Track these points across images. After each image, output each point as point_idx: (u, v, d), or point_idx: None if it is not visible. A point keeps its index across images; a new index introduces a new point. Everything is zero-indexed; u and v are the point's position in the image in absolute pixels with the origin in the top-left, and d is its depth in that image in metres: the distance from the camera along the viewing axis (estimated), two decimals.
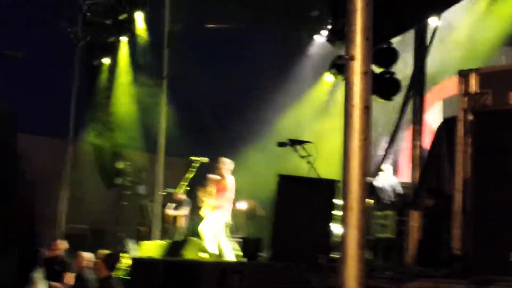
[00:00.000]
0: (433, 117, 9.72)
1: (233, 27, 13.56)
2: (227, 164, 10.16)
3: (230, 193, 9.98)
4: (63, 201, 13.05)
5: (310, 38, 14.20)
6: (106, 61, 14.27)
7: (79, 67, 13.82)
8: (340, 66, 7.12)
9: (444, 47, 10.92)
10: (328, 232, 6.04)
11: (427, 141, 6.99)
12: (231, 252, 9.61)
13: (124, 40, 13.98)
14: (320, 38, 13.88)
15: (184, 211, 11.11)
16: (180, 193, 11.17)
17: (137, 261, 6.50)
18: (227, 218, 9.96)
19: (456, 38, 11.04)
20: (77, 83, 13.72)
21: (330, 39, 8.30)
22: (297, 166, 7.77)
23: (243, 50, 13.21)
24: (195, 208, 10.68)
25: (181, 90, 13.77)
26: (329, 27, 8.10)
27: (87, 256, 8.64)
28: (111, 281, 6.65)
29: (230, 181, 10.01)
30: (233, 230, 11.75)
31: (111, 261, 6.89)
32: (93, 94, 14.32)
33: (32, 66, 12.56)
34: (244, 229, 11.67)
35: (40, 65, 12.68)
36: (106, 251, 7.91)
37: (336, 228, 6.06)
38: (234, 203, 10.88)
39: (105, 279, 6.74)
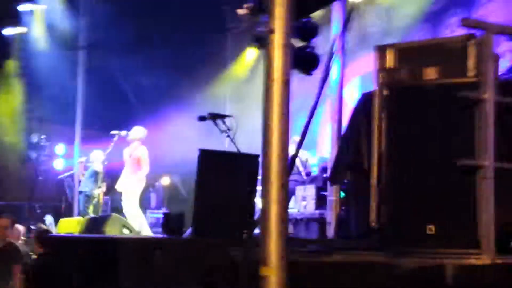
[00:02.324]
0: (351, 93, 9.93)
1: None
2: (139, 133, 10.00)
3: (146, 165, 9.86)
4: None
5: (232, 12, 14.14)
6: (20, 30, 13.74)
7: None
8: (261, 39, 7.11)
9: (364, 22, 11.13)
10: (251, 207, 6.09)
11: (346, 116, 7.14)
12: (147, 227, 9.57)
13: (38, 8, 13.50)
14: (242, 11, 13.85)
15: (103, 186, 10.92)
16: (99, 167, 10.96)
17: (53, 238, 6.36)
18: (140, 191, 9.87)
19: (375, 13, 11.25)
20: None
21: (252, 12, 8.26)
22: (219, 141, 7.78)
23: (162, 19, 12.98)
24: (115, 183, 10.53)
25: (99, 60, 13.45)
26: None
27: (22, 230, 8.44)
28: (47, 257, 6.47)
29: (143, 152, 9.88)
30: (155, 205, 11.72)
31: (44, 237, 6.74)
32: (6, 65, 13.80)
33: None
34: (166, 205, 11.65)
35: None
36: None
37: (259, 203, 6.12)
38: (155, 177, 10.81)
39: (43, 255, 6.57)
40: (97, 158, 10.86)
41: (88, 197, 10.70)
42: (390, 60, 5.01)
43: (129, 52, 13.09)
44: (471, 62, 4.60)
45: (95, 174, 10.83)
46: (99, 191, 10.78)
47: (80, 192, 11.05)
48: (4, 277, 6.94)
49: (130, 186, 9.81)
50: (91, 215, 10.29)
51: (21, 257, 7.31)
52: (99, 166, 10.76)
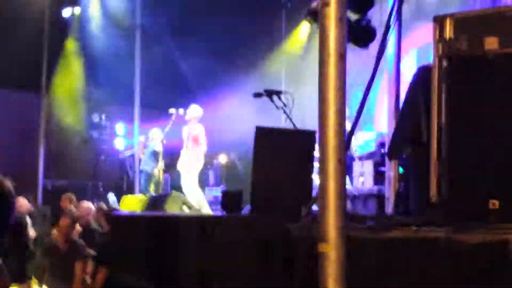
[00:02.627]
0: (408, 65, 9.74)
1: None
2: (196, 112, 10.08)
3: (203, 143, 9.96)
4: (40, 157, 12.95)
5: None
6: (77, 10, 13.98)
7: (49, 17, 13.52)
8: (315, 14, 7.03)
9: None
10: (309, 184, 6.08)
11: (403, 90, 7.01)
12: (206, 204, 9.68)
13: None
14: None
15: (163, 164, 11.10)
16: (158, 146, 11.13)
17: (117, 216, 6.52)
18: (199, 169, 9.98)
19: None
20: (47, 34, 13.44)
21: None
22: (276, 118, 7.77)
23: (218, 1, 13.01)
24: (174, 161, 10.69)
25: (156, 39, 13.60)
26: None
27: (91, 207, 8.58)
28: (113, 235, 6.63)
29: (199, 130, 9.97)
30: (213, 183, 11.84)
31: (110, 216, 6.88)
32: (65, 45, 14.08)
33: (1, 20, 12.29)
34: (224, 182, 11.75)
35: (8, 18, 12.40)
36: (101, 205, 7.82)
37: (316, 180, 6.10)
38: (213, 155, 10.92)
39: (109, 233, 6.72)
40: (156, 136, 11.04)
41: (149, 176, 10.90)
42: (449, 30, 4.87)
43: (185, 31, 13.20)
44: None
45: (155, 153, 11.00)
46: (159, 170, 10.97)
47: (141, 171, 11.26)
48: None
49: (189, 164, 9.93)
50: (152, 193, 10.49)
51: (83, 253, 7.29)
52: (158, 145, 10.93)
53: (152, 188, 10.70)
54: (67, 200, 9.23)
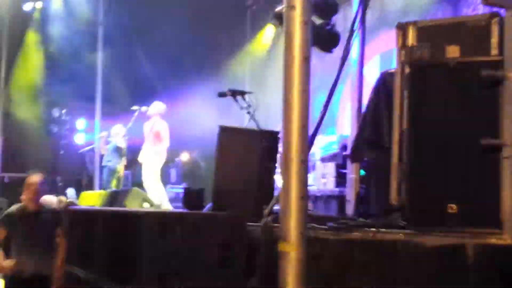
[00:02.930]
0: (371, 71, 9.85)
1: None
2: (159, 108, 10.04)
3: (166, 139, 9.91)
4: None
5: None
6: (38, 5, 13.77)
7: (10, 10, 13.28)
8: (281, 16, 7.07)
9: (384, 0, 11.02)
10: (270, 183, 6.11)
11: (365, 95, 7.10)
12: (167, 201, 9.63)
13: None
14: None
15: (125, 160, 11.00)
16: (121, 142, 11.02)
17: (75, 211, 6.43)
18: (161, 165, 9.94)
19: None
20: (7, 28, 13.21)
21: None
22: (239, 117, 7.77)
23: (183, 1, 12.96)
24: (135, 157, 10.62)
25: (118, 35, 13.48)
26: None
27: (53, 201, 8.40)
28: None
29: (162, 126, 9.92)
30: (175, 180, 11.79)
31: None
32: (25, 39, 13.85)
33: None
34: (186, 180, 11.73)
35: None
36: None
37: (278, 181, 6.14)
38: (176, 153, 10.86)
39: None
40: (119, 132, 10.93)
41: (112, 171, 10.79)
42: (411, 38, 4.98)
43: (148, 29, 13.11)
44: (494, 41, 4.55)
45: (118, 148, 10.89)
46: (122, 165, 10.86)
47: (104, 167, 11.14)
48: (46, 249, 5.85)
49: (150, 160, 9.87)
50: (114, 189, 10.39)
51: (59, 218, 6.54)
52: (121, 140, 10.82)
53: (114, 183, 10.60)
54: None
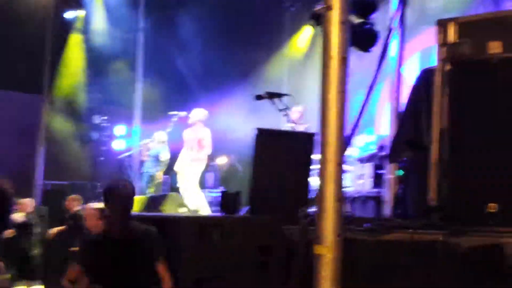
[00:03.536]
0: (411, 69, 9.69)
1: None
2: (201, 115, 10.04)
3: (208, 146, 9.91)
4: (40, 157, 12.92)
5: None
6: (80, 13, 13.97)
7: (52, 19, 13.51)
8: (319, 17, 7.01)
9: None
10: (307, 186, 6.04)
11: (405, 93, 6.97)
12: (207, 206, 9.63)
13: None
14: None
15: (164, 167, 11.04)
16: (163, 151, 11.06)
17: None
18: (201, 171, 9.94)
19: None
20: (50, 36, 13.44)
21: None
22: (276, 119, 7.73)
23: (220, 2, 12.98)
24: (173, 163, 10.65)
25: (158, 43, 13.59)
26: None
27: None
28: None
29: (205, 133, 9.93)
30: (212, 184, 11.78)
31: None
32: (67, 47, 14.07)
33: (4, 19, 12.28)
34: (223, 183, 11.71)
35: (11, 18, 12.40)
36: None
37: (315, 182, 6.06)
38: (213, 157, 10.85)
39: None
40: (161, 139, 10.98)
41: (151, 178, 10.87)
42: (452, 34, 4.87)
43: (187, 34, 13.17)
44: None
45: (159, 156, 10.95)
46: (161, 172, 10.91)
47: (144, 173, 11.20)
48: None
49: (191, 166, 9.87)
50: (152, 194, 10.45)
51: None
52: (164, 148, 10.87)
53: (152, 190, 10.65)
54: (73, 201, 9.18)
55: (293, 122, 8.47)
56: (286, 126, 8.50)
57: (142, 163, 11.57)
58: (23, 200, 10.00)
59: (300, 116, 9.06)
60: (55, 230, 8.74)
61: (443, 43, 4.88)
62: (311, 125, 8.45)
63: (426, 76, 5.33)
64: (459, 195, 4.33)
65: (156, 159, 10.94)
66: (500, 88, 4.41)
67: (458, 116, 4.52)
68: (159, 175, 10.85)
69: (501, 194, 4.16)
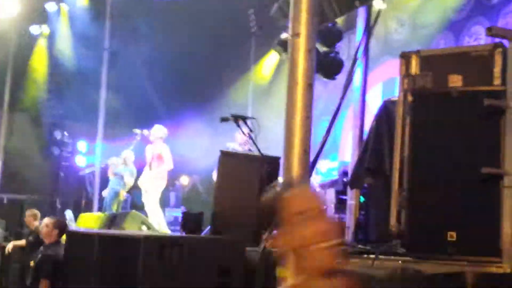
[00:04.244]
0: (373, 98, 9.89)
1: (178, 0, 13.37)
2: (161, 132, 10.05)
3: (168, 162, 9.91)
4: None
5: (256, 16, 14.13)
6: (45, 29, 13.87)
7: (16, 34, 13.39)
8: (285, 44, 7.12)
9: (388, 28, 11.09)
10: None
11: (367, 121, 7.11)
12: (165, 224, 9.60)
13: (64, 8, 13.62)
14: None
15: (128, 185, 10.95)
16: (131, 168, 11.00)
17: (72, 233, 6.39)
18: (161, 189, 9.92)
19: (398, 20, 11.22)
20: (13, 50, 13.29)
21: (276, 16, 8.29)
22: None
23: (186, 24, 13.05)
24: (135, 180, 10.60)
25: (123, 60, 13.56)
26: (275, 4, 8.08)
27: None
28: (58, 248, 6.43)
29: (164, 148, 9.93)
30: (174, 203, 11.74)
31: (62, 228, 6.64)
32: (31, 62, 13.93)
33: None
34: (185, 203, 11.68)
35: None
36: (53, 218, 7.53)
37: None
38: (175, 177, 10.82)
39: (52, 245, 6.51)
40: (128, 157, 10.91)
41: (116, 195, 10.77)
42: (414, 66, 5.00)
43: (152, 52, 13.19)
44: (497, 71, 4.57)
45: (127, 174, 10.88)
46: (125, 190, 10.82)
47: (110, 190, 11.10)
48: None
49: (153, 183, 9.85)
50: (112, 211, 10.36)
51: None
52: (130, 170, 10.80)
53: (115, 207, 10.55)
54: (31, 216, 9.03)
55: (240, 144, 8.81)
56: (229, 146, 8.79)
57: (105, 180, 11.47)
58: None
59: (244, 139, 9.30)
60: (13, 244, 8.60)
61: (406, 75, 5.00)
62: (253, 148, 8.66)
63: (388, 106, 5.46)
64: (419, 223, 4.42)
65: (122, 177, 10.88)
66: (459, 119, 4.55)
67: (418, 145, 4.64)
68: (122, 194, 10.76)
69: (460, 223, 4.27)
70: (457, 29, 10.00)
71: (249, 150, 9.02)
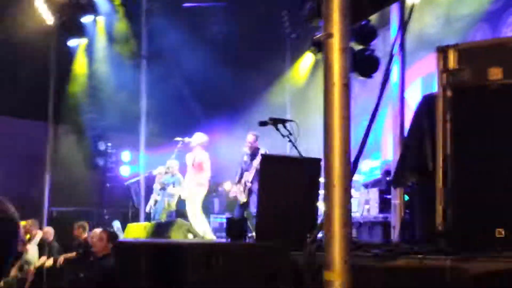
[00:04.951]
0: (413, 94, 9.78)
1: (211, 6, 13.47)
2: (201, 139, 10.13)
3: (207, 169, 9.99)
4: (46, 184, 12.98)
5: (290, 17, 14.15)
6: (83, 41, 14.13)
7: (56, 47, 13.67)
8: (320, 44, 7.10)
9: (423, 23, 10.97)
10: (314, 211, 6.08)
11: (408, 118, 7.04)
12: (210, 231, 9.66)
13: (100, 19, 13.84)
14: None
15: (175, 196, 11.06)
16: (163, 173, 11.12)
17: (120, 243, 6.49)
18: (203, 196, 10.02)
19: (433, 14, 11.07)
20: (54, 64, 13.58)
21: (308, 17, 8.28)
22: (280, 145, 7.79)
23: (221, 30, 13.14)
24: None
25: (161, 70, 13.71)
26: (307, 5, 8.08)
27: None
28: (110, 260, 6.56)
29: (204, 156, 10.01)
30: (218, 210, 11.81)
31: (114, 240, 6.79)
32: (71, 75, 14.21)
33: (8, 47, 12.42)
34: (229, 209, 11.74)
35: (16, 46, 12.54)
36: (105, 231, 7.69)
37: (322, 207, 6.11)
38: (218, 183, 10.90)
39: (105, 257, 6.65)
40: (174, 166, 11.04)
41: (168, 205, 10.92)
42: (452, 60, 4.93)
43: (190, 60, 13.31)
44: None
45: (175, 182, 11.00)
46: (174, 200, 10.93)
47: (156, 200, 11.23)
48: None
49: (194, 191, 9.94)
50: (160, 220, 10.49)
51: None
52: (177, 179, 10.92)
53: (164, 216, 10.69)
54: (81, 228, 9.22)
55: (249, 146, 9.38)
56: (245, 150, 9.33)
57: (150, 189, 11.62)
58: (46, 228, 10.08)
59: (254, 140, 9.54)
60: (64, 257, 8.80)
61: (444, 69, 4.93)
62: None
63: (427, 102, 5.39)
64: (465, 221, 4.36)
65: (170, 187, 11.00)
66: (501, 113, 4.47)
67: (461, 141, 4.57)
68: (173, 204, 10.88)
69: (509, 219, 4.20)
70: (494, 20, 9.81)
71: (257, 149, 9.35)
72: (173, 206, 10.90)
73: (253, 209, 9.42)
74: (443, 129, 4.76)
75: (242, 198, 9.56)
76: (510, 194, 4.26)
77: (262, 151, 9.44)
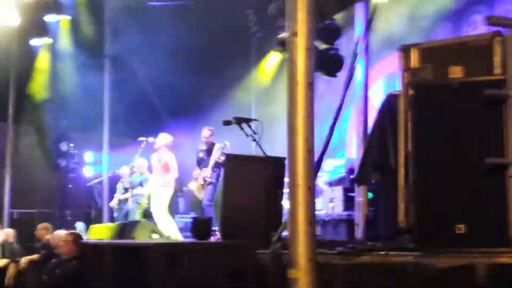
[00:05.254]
0: (376, 93, 9.88)
1: (176, 4, 13.39)
2: (166, 139, 10.09)
3: (174, 170, 9.95)
4: (6, 186, 12.74)
5: (255, 16, 14.13)
6: (46, 40, 13.91)
7: (18, 46, 13.43)
8: (285, 43, 7.12)
9: (388, 22, 11.08)
10: (279, 210, 6.10)
11: (371, 117, 7.10)
12: (177, 231, 9.62)
13: (64, 18, 13.65)
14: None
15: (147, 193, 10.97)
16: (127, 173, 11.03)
17: (84, 245, 6.42)
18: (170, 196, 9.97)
19: (397, 13, 11.19)
20: (15, 63, 13.34)
21: (274, 16, 8.29)
22: (244, 144, 7.79)
23: (186, 29, 13.07)
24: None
25: (124, 70, 13.59)
26: (272, 3, 8.09)
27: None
28: (75, 262, 6.47)
29: (171, 158, 9.97)
30: (184, 209, 11.75)
31: (79, 241, 6.70)
32: (33, 75, 13.97)
33: None
34: (194, 209, 11.70)
35: None
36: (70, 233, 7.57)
37: (286, 206, 6.13)
38: (184, 183, 10.84)
39: (71, 260, 6.55)
40: (142, 165, 10.95)
41: (139, 205, 10.82)
42: (414, 59, 5.00)
43: (154, 59, 13.21)
44: (497, 60, 4.57)
45: (143, 181, 10.92)
46: (146, 198, 10.85)
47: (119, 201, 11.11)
48: None
49: (159, 191, 9.89)
50: (122, 221, 10.39)
51: None
52: (147, 173, 10.84)
53: (139, 216, 10.58)
54: (44, 230, 9.07)
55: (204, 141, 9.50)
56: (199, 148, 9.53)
57: (113, 190, 11.50)
58: (6, 230, 9.90)
59: (209, 135, 9.62)
60: (27, 258, 8.64)
61: (406, 68, 5.00)
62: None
63: (390, 100, 5.45)
64: (427, 217, 4.42)
65: (141, 186, 10.91)
66: (461, 111, 4.55)
67: (422, 139, 4.63)
68: (144, 203, 10.80)
69: (468, 214, 4.27)
70: (456, 19, 9.97)
71: (212, 144, 9.42)
72: (144, 205, 10.82)
73: (205, 201, 9.44)
74: (404, 127, 4.82)
75: (201, 195, 9.57)
76: (470, 191, 4.34)
77: (217, 146, 9.48)
